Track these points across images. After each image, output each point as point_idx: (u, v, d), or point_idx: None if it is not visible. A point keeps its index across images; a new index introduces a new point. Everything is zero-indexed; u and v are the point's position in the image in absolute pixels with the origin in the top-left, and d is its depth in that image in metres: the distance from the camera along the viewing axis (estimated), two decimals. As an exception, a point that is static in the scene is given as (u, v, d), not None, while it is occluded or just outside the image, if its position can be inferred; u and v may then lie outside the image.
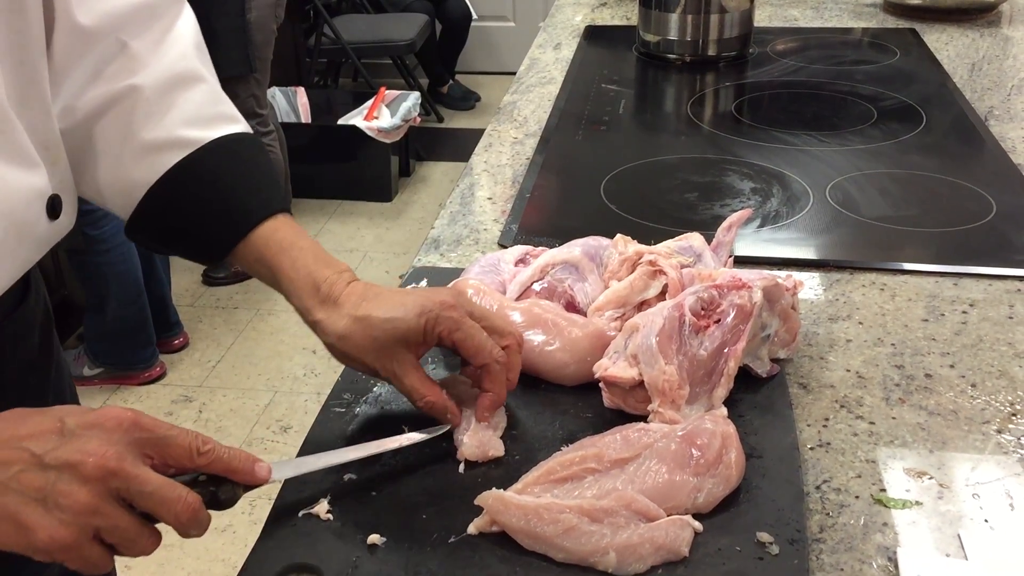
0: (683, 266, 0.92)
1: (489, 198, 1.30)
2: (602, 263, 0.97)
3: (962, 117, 1.51)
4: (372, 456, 0.78)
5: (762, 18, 2.08)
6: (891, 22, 2.05)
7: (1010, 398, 0.87)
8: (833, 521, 0.74)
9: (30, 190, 0.74)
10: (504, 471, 0.78)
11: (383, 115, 3.92)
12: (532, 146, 1.46)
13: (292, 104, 4.10)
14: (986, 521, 0.73)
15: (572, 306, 0.94)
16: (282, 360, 2.97)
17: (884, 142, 1.43)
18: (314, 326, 0.80)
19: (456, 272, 1.03)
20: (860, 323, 0.99)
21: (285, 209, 0.83)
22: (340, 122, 3.90)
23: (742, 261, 1.06)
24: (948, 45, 1.88)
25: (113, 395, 2.81)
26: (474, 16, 4.98)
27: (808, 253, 1.12)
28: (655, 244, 0.96)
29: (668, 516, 0.70)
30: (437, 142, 4.57)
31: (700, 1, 1.79)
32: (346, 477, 0.77)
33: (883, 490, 0.77)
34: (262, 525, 0.73)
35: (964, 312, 1.00)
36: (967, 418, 0.85)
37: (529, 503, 0.70)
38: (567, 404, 0.86)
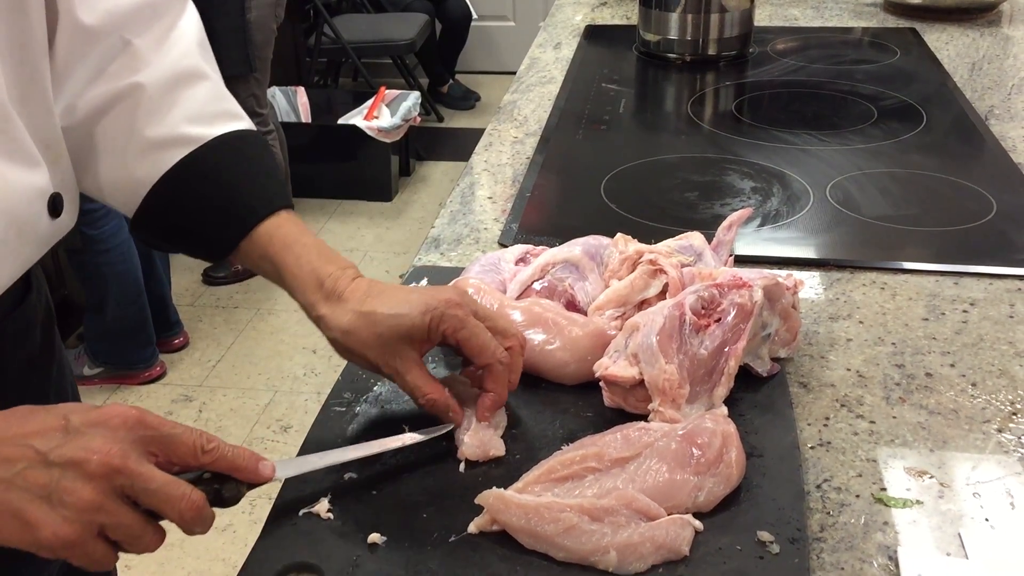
0: (683, 265, 0.92)
1: (489, 197, 1.30)
2: (602, 262, 0.97)
3: (962, 116, 1.51)
4: (373, 455, 0.78)
5: (762, 17, 2.08)
6: (891, 21, 2.05)
7: (1010, 397, 0.87)
8: (834, 520, 0.74)
9: (31, 188, 0.74)
10: (505, 470, 0.78)
11: (383, 115, 3.92)
12: (532, 145, 1.46)
13: (292, 104, 4.10)
14: (987, 520, 0.73)
15: (572, 305, 0.94)
16: (282, 360, 2.97)
17: (884, 141, 1.43)
18: (318, 321, 0.80)
19: (456, 271, 1.03)
20: (861, 322, 0.99)
21: (289, 205, 0.83)
22: (340, 122, 3.90)
23: (742, 260, 1.06)
24: (948, 44, 1.88)
25: (113, 395, 2.81)
26: (474, 16, 4.98)
27: (808, 252, 1.12)
28: (655, 243, 0.96)
29: (669, 515, 0.70)
30: (437, 142, 4.57)
31: (700, 0, 1.78)
32: (346, 476, 0.77)
33: (884, 489, 0.77)
34: (262, 524, 0.73)
35: (965, 311, 1.00)
36: (968, 417, 0.85)
37: (530, 502, 0.70)
38: (567, 403, 0.86)
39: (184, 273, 3.39)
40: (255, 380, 2.88)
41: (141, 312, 2.75)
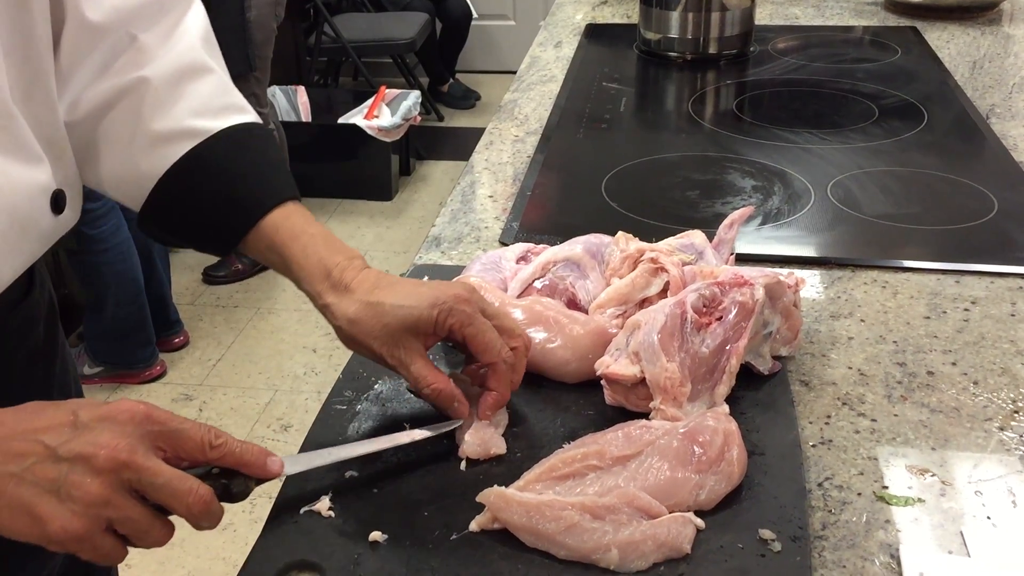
0: (685, 264, 0.92)
1: (490, 196, 1.30)
2: (604, 261, 0.97)
3: (963, 115, 1.51)
4: (375, 453, 0.78)
5: (763, 16, 2.08)
6: (892, 20, 2.05)
7: (1012, 396, 0.87)
8: (835, 518, 0.74)
9: (34, 185, 0.74)
10: (506, 468, 0.78)
11: (383, 114, 3.92)
12: (533, 144, 1.46)
13: (292, 103, 4.10)
14: (989, 518, 0.73)
15: (574, 304, 0.94)
16: (282, 359, 2.97)
17: (885, 140, 1.43)
18: (324, 310, 0.80)
19: (457, 270, 1.03)
20: (862, 320, 0.99)
21: (295, 197, 0.84)
22: (340, 121, 3.90)
23: (744, 259, 1.06)
24: (949, 43, 1.88)
25: (113, 393, 2.81)
26: (474, 15, 4.98)
27: (810, 251, 1.12)
28: (657, 242, 0.96)
29: (670, 513, 0.70)
30: (437, 141, 4.57)
31: (701, -1, 1.79)
32: (347, 474, 0.77)
33: (885, 487, 0.77)
34: (262, 523, 0.73)
35: (966, 310, 1.00)
36: (969, 415, 0.85)
37: (531, 500, 0.70)
38: (569, 401, 0.86)
39: (184, 272, 3.39)
40: (255, 379, 2.88)
41: (140, 311, 2.75)
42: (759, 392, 0.86)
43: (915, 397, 0.87)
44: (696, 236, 0.98)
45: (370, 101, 3.98)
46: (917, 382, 0.89)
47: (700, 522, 0.70)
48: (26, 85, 0.73)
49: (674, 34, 1.82)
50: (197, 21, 0.86)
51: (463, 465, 0.78)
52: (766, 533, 0.69)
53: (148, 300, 2.78)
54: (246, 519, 2.26)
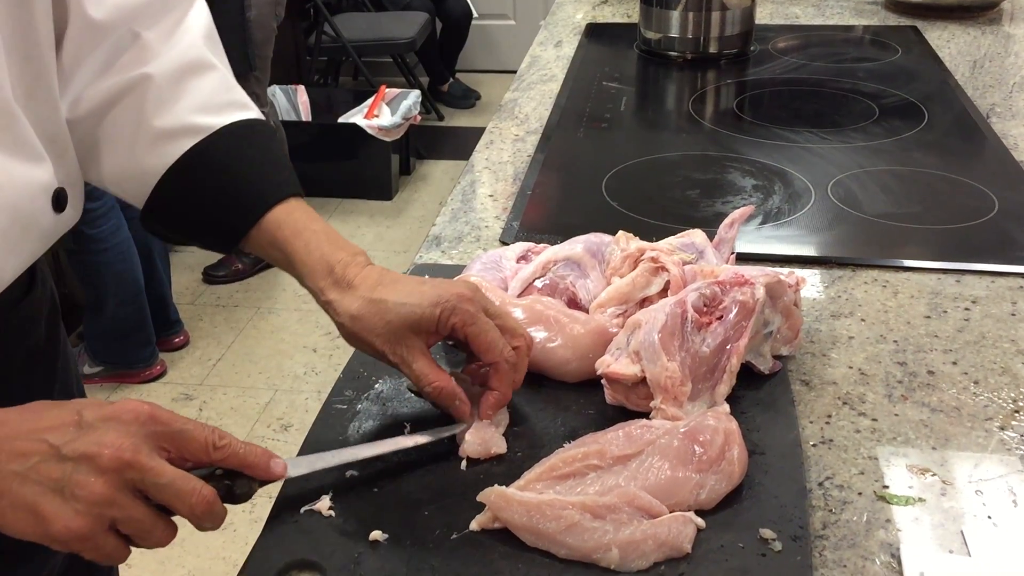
0: (685, 263, 0.91)
1: (490, 195, 1.30)
2: (604, 260, 0.97)
3: (964, 114, 1.51)
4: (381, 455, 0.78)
5: (763, 15, 2.08)
6: (892, 19, 2.05)
7: (1013, 395, 0.87)
8: (836, 518, 0.74)
9: (35, 184, 0.74)
10: (506, 468, 0.77)
11: (383, 113, 3.92)
12: (533, 143, 1.46)
13: (292, 102, 4.10)
14: (989, 518, 0.73)
15: (574, 303, 0.94)
16: (282, 358, 2.97)
17: (886, 139, 1.43)
18: (326, 306, 0.80)
19: (457, 269, 1.03)
20: (862, 320, 0.99)
21: (298, 193, 0.83)
22: (340, 120, 3.90)
23: (744, 258, 1.06)
24: (950, 43, 1.88)
25: (113, 393, 2.81)
26: (475, 14, 4.98)
27: (810, 250, 1.12)
28: (657, 241, 0.96)
29: (671, 513, 0.70)
30: (437, 140, 4.57)
31: (701, -2, 1.79)
32: (348, 474, 0.77)
33: (886, 487, 0.77)
34: (262, 523, 0.73)
35: (967, 309, 1.00)
36: (970, 415, 0.84)
37: (531, 500, 0.70)
38: (569, 401, 0.86)
39: (184, 272, 3.39)
40: (255, 379, 2.88)
41: (140, 311, 2.75)
42: (760, 391, 0.86)
43: (916, 397, 0.87)
44: (696, 235, 0.97)
45: (370, 100, 3.98)
46: (918, 382, 0.89)
47: (701, 521, 0.70)
48: (28, 84, 0.74)
49: (674, 33, 1.82)
50: (200, 18, 0.86)
51: (463, 464, 0.78)
52: (767, 532, 0.69)
53: (148, 300, 2.78)
54: (246, 518, 2.26)
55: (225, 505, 0.66)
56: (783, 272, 0.90)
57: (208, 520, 0.64)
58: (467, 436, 0.79)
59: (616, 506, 0.70)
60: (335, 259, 0.80)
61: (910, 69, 1.75)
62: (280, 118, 3.84)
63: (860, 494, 0.76)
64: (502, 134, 1.51)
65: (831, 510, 0.75)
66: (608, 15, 2.16)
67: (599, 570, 0.68)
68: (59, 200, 0.77)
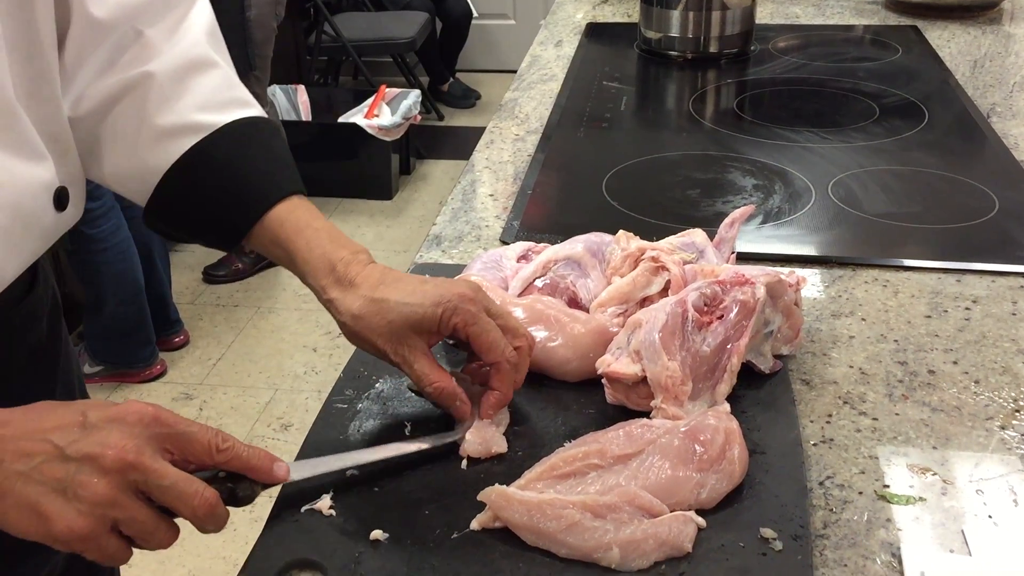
0: (685, 262, 0.91)
1: (491, 195, 1.30)
2: (604, 259, 0.97)
3: (964, 114, 1.51)
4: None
5: (764, 15, 2.08)
6: (893, 19, 2.05)
7: (1013, 394, 0.87)
8: (837, 517, 0.74)
9: (37, 182, 0.74)
10: (507, 467, 0.77)
11: (383, 113, 3.92)
12: (534, 143, 1.46)
13: (292, 102, 4.10)
14: (990, 517, 0.73)
15: (574, 302, 0.94)
16: (283, 358, 2.97)
17: (886, 139, 1.43)
18: (328, 304, 0.80)
19: (458, 268, 1.03)
20: (863, 319, 0.99)
21: (300, 191, 0.83)
22: (340, 120, 3.90)
23: (744, 257, 1.06)
24: (950, 42, 1.88)
25: (113, 393, 2.81)
26: (475, 14, 4.98)
27: (810, 249, 1.12)
28: (657, 240, 0.96)
29: (671, 512, 0.70)
30: (437, 140, 4.57)
31: (701, -2, 1.79)
32: (348, 473, 0.77)
33: (887, 486, 0.77)
34: (263, 523, 0.73)
35: (967, 309, 1.00)
36: (970, 414, 0.84)
37: (532, 499, 0.70)
38: (570, 400, 0.86)
39: (184, 271, 3.39)
40: (255, 378, 2.88)
41: (140, 311, 2.75)
42: (760, 391, 0.86)
43: (916, 396, 0.87)
44: (697, 235, 0.97)
45: (370, 100, 3.98)
46: (918, 381, 0.89)
47: (701, 521, 0.70)
48: (30, 83, 0.74)
49: (675, 33, 1.82)
50: (202, 16, 0.86)
51: (464, 464, 0.78)
52: (767, 532, 0.69)
53: (148, 299, 2.78)
54: (247, 518, 2.25)
55: (227, 508, 0.66)
56: (784, 271, 0.90)
57: (210, 522, 0.64)
58: (468, 435, 0.79)
59: (617, 505, 0.70)
60: (337, 257, 0.80)
61: (910, 69, 1.75)
62: (280, 118, 3.84)
63: (861, 493, 0.76)
64: (502, 134, 1.51)
65: (832, 509, 0.75)
66: (608, 15, 2.16)
67: (600, 569, 0.68)
68: (60, 199, 0.77)
